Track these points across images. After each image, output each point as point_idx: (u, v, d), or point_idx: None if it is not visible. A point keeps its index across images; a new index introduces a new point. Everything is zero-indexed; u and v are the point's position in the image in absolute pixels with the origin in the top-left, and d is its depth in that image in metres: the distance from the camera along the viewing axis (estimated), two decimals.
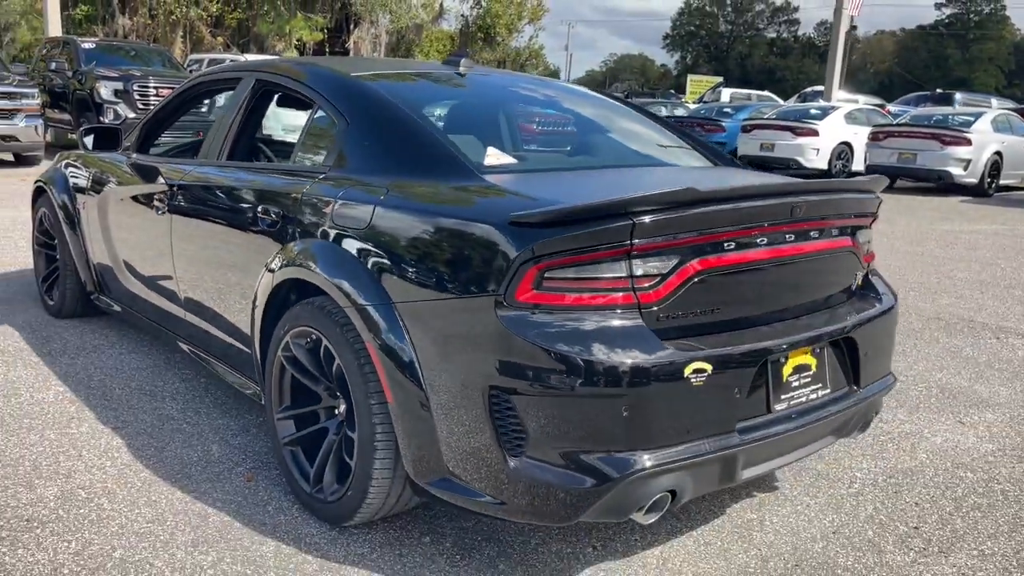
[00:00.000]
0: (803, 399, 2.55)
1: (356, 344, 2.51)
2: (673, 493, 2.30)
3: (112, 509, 2.76)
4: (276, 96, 3.61)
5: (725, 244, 2.34)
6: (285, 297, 2.91)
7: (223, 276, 3.30)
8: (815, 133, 16.07)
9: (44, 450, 3.17)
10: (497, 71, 4.71)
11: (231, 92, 3.70)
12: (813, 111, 17.41)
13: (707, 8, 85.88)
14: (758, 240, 2.42)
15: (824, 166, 16.01)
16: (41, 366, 4.08)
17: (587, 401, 2.17)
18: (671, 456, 2.22)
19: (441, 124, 3.14)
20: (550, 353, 2.14)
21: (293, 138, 3.88)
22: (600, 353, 2.15)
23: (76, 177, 4.63)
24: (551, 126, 3.74)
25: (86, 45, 14.02)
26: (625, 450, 2.19)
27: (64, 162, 4.84)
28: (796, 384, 2.54)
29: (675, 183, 2.36)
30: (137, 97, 12.50)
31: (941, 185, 14.65)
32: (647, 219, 2.17)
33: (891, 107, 22.55)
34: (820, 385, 2.62)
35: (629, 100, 4.77)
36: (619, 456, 2.19)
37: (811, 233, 2.60)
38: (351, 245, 2.62)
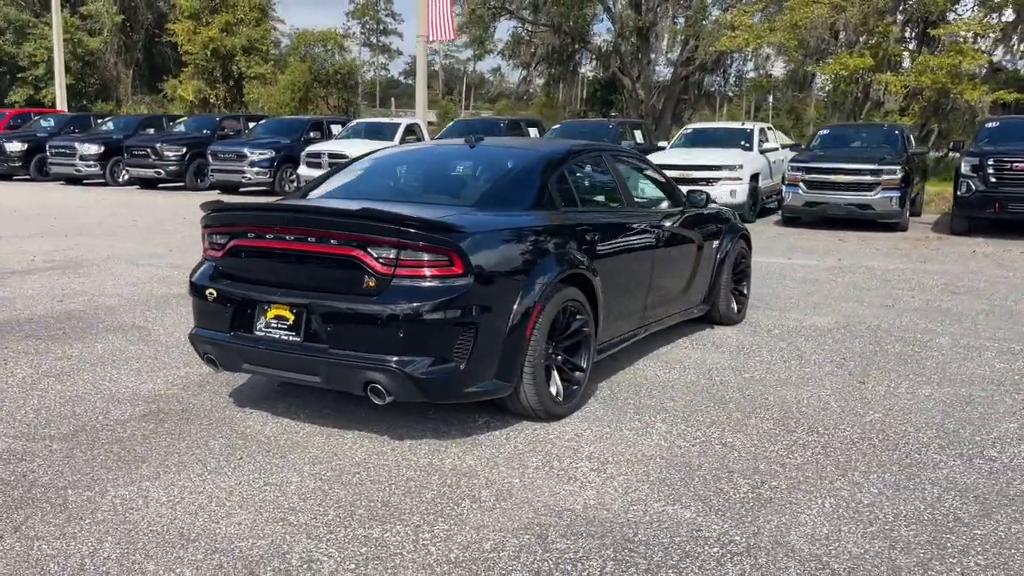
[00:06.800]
0: (279, 335, 4.21)
1: None
2: (214, 360, 4.50)
3: None
4: None
5: (248, 234, 4.37)
6: None
7: None
8: None
9: None
10: (496, 141, 6.04)
11: None
12: None
13: None
14: (267, 236, 4.29)
15: None
16: None
17: (192, 301, 4.67)
18: (199, 333, 4.52)
19: (362, 171, 5.40)
20: (191, 277, 4.72)
21: None
22: (194, 278, 4.63)
23: None
24: (418, 176, 5.26)
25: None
26: (196, 327, 4.61)
27: None
28: (276, 325, 4.23)
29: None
30: None
31: None
32: (210, 215, 4.52)
33: None
34: (294, 333, 4.16)
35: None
36: (193, 328, 4.63)
37: (309, 238, 4.15)
38: None
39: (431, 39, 24.33)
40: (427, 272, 3.99)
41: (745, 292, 7.24)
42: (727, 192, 14.94)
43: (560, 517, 3.44)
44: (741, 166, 15.05)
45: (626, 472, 3.90)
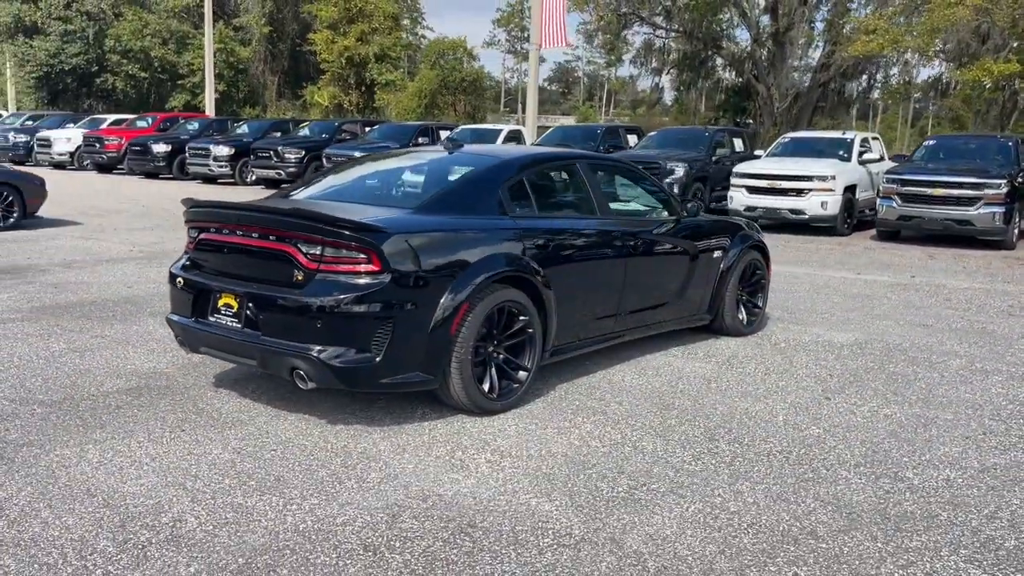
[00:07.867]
0: (226, 322, 4.62)
1: None
2: (183, 342, 4.98)
3: None
4: None
5: (211, 229, 4.82)
6: None
7: None
8: None
9: None
10: (471, 148, 6.10)
11: None
12: None
13: None
14: (224, 231, 4.72)
15: None
16: None
17: (169, 288, 5.16)
18: (172, 317, 5.00)
19: (347, 174, 5.75)
20: (170, 267, 5.22)
21: None
22: (172, 268, 5.12)
23: None
24: (391, 179, 5.51)
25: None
26: (170, 311, 5.10)
27: None
28: (224, 312, 4.65)
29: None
30: None
31: None
32: (188, 212, 4.99)
33: None
34: (237, 320, 4.56)
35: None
36: (169, 312, 5.12)
37: (253, 234, 4.55)
38: None
39: (544, 47, 24.68)
40: (346, 268, 4.30)
41: (760, 304, 7.13)
42: (818, 204, 14.51)
43: (425, 501, 3.65)
44: (833, 177, 14.55)
45: (519, 466, 4.06)
